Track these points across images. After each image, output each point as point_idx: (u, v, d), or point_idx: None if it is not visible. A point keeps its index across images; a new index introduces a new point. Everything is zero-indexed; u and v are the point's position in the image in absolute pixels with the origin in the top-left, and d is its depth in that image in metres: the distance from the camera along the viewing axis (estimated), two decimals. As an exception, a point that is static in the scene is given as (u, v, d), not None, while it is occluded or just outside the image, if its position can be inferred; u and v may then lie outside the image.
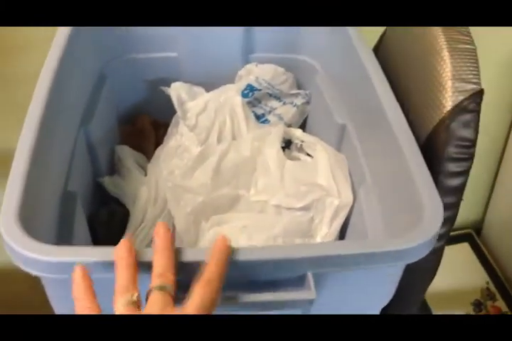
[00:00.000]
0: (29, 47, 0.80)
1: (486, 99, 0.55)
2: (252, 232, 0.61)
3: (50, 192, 0.52)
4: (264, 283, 0.41)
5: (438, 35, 0.56)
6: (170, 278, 0.37)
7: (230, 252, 0.38)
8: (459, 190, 0.55)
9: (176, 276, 0.37)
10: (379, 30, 0.72)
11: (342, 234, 0.63)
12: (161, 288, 0.36)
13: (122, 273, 0.37)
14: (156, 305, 0.35)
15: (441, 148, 0.53)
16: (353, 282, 0.45)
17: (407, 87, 0.59)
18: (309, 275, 0.41)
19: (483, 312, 1.19)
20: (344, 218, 0.62)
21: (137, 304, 0.36)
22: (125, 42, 0.75)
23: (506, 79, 1.13)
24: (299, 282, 0.41)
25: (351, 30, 0.65)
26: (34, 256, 0.39)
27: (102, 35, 0.71)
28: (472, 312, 1.18)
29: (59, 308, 0.47)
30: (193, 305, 0.35)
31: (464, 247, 1.36)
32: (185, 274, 0.38)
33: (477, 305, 1.20)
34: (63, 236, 0.50)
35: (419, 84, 0.58)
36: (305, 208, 0.65)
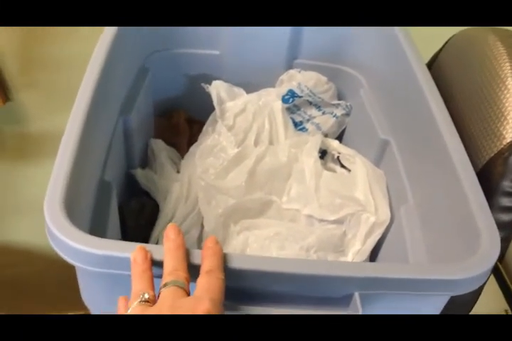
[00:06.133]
0: (76, 30, 0.80)
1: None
2: (284, 241, 0.59)
3: (88, 179, 0.51)
4: (308, 298, 0.40)
5: (503, 61, 0.54)
6: (182, 275, 0.36)
7: (220, 248, 0.38)
8: (511, 227, 0.52)
9: (189, 275, 0.37)
10: (432, 48, 0.71)
11: (374, 252, 0.61)
12: (174, 283, 0.35)
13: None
14: (168, 298, 0.34)
15: (495, 181, 0.51)
16: (395, 307, 0.43)
17: (462, 111, 0.58)
18: (356, 296, 0.39)
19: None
20: (380, 236, 0.60)
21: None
22: (169, 36, 0.74)
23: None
24: (344, 302, 0.40)
25: (405, 43, 0.63)
26: (81, 248, 0.38)
27: (147, 29, 0.70)
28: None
29: (90, 300, 0.46)
30: (199, 290, 0.35)
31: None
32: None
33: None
34: (97, 226, 0.49)
35: (476, 110, 0.56)
36: (338, 221, 0.63)
